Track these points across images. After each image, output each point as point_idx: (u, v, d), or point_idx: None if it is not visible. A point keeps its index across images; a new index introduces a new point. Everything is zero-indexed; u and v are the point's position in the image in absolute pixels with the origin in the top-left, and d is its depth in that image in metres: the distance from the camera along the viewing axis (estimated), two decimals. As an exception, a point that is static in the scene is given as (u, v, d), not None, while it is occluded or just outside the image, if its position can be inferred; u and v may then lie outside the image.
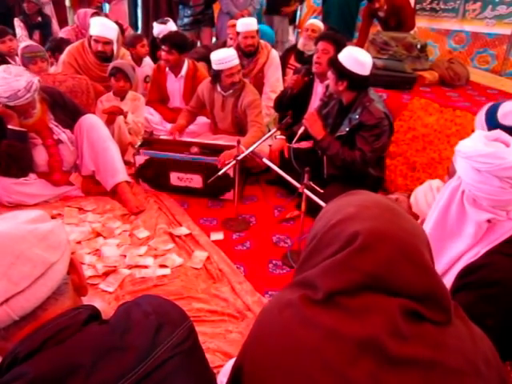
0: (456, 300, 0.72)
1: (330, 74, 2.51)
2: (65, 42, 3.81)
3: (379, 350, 0.68)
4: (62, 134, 2.64)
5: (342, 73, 2.42)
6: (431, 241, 1.24)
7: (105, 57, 3.31)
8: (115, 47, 3.37)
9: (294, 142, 2.59)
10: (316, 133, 2.58)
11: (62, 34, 4.55)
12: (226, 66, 2.86)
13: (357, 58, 2.42)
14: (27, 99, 2.37)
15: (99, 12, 4.54)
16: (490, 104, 1.64)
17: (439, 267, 1.25)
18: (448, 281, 1.21)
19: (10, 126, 2.43)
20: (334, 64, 2.45)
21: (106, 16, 4.48)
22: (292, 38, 5.93)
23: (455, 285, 1.18)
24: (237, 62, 2.89)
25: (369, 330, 0.69)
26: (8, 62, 3.42)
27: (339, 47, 2.79)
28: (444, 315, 0.73)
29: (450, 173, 1.29)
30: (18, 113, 2.44)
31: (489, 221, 1.17)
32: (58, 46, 3.78)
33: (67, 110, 2.69)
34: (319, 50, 2.92)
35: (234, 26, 4.05)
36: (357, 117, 2.47)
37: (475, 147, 1.15)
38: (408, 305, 0.71)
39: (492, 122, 1.58)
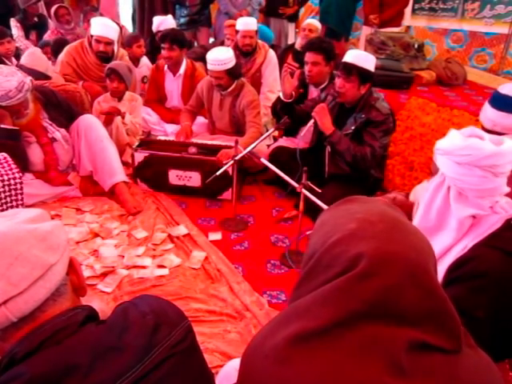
0: (447, 294, 0.69)
1: (348, 80, 2.44)
2: (67, 43, 3.76)
3: None
4: (56, 132, 2.62)
5: (365, 77, 2.44)
6: None
7: (106, 57, 3.31)
8: (116, 47, 3.37)
9: (303, 133, 2.54)
10: (326, 126, 2.53)
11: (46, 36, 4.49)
12: (210, 67, 2.89)
13: (368, 56, 2.50)
14: (19, 99, 2.34)
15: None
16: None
17: None
18: (438, 276, 1.23)
19: (1, 126, 2.40)
20: (358, 71, 2.42)
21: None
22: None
23: (445, 279, 1.20)
24: (221, 68, 2.86)
25: (369, 372, 0.62)
26: (5, 63, 3.40)
27: (328, 54, 2.78)
28: (453, 342, 0.67)
29: (433, 172, 1.34)
30: (10, 112, 2.41)
31: (473, 216, 1.20)
32: (60, 47, 3.64)
33: (61, 109, 2.68)
34: (309, 62, 2.82)
35: (230, 26, 4.06)
36: (363, 116, 2.48)
37: (453, 143, 1.20)
38: (414, 335, 0.64)
39: (494, 97, 1.84)
